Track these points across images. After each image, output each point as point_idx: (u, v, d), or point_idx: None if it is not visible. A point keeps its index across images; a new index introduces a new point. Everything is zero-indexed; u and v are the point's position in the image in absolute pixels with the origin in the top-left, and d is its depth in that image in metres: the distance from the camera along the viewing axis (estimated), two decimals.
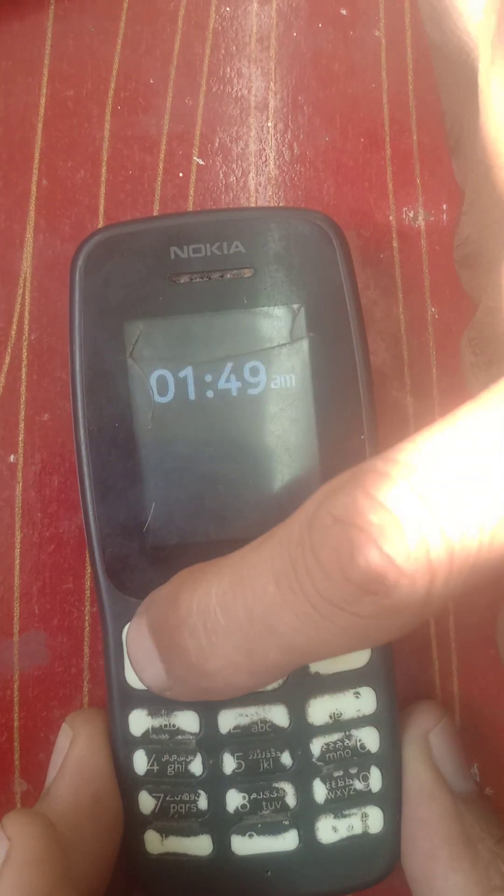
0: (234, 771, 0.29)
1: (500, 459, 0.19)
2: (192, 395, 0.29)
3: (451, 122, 0.27)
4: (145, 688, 0.27)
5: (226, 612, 0.22)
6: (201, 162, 0.35)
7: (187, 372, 0.29)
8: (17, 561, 0.33)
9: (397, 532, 0.19)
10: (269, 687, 0.29)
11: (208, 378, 0.29)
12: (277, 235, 0.29)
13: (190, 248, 0.29)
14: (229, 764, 0.29)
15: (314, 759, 0.29)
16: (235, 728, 0.29)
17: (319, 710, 0.29)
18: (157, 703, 0.29)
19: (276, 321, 0.29)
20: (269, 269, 0.29)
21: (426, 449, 0.20)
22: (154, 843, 0.29)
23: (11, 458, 0.34)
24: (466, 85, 0.26)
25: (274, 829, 0.29)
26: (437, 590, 0.20)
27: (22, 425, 0.34)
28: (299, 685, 0.29)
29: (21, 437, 0.34)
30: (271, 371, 0.29)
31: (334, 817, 0.30)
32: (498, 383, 0.21)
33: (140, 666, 0.26)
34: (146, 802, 0.29)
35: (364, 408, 0.29)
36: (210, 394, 0.29)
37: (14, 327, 0.34)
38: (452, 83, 0.26)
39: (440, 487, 0.19)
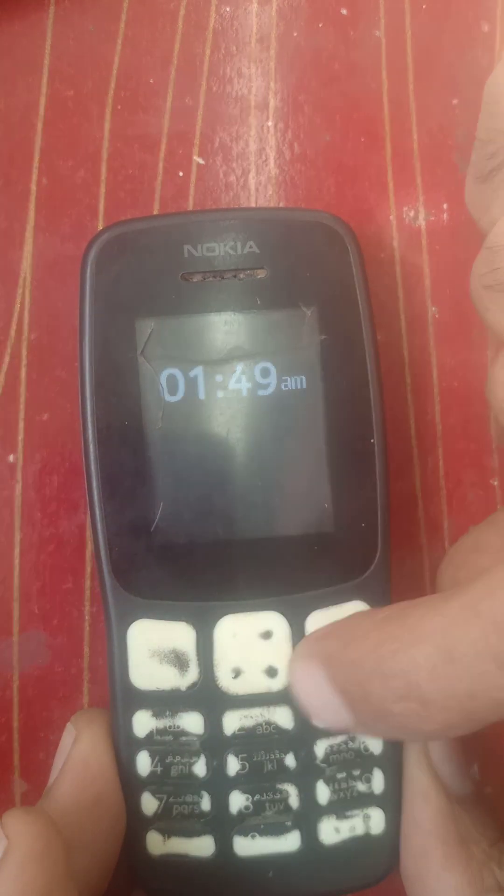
0: (237, 773, 0.29)
1: None
2: (202, 395, 0.29)
3: (489, 149, 0.27)
4: (157, 690, 0.28)
5: (443, 687, 0.22)
6: (201, 161, 0.35)
7: (198, 371, 0.29)
8: (17, 561, 0.33)
9: None
10: (274, 689, 0.29)
11: (219, 378, 0.29)
12: (291, 236, 0.29)
13: (203, 247, 0.29)
14: (233, 765, 0.29)
15: (318, 761, 0.29)
16: (240, 730, 0.29)
17: None
18: (161, 704, 0.29)
19: (288, 322, 0.29)
20: (282, 269, 0.29)
21: None
22: (156, 843, 0.29)
23: (11, 457, 0.33)
24: None
25: (276, 830, 0.29)
26: None
27: (22, 425, 0.34)
28: None
29: (21, 437, 0.34)
30: (282, 372, 0.29)
31: (337, 819, 0.30)
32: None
33: (318, 712, 0.26)
34: (149, 803, 0.29)
35: (374, 411, 0.29)
36: (220, 394, 0.29)
37: (14, 327, 0.34)
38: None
39: None
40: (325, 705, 0.26)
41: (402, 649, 0.23)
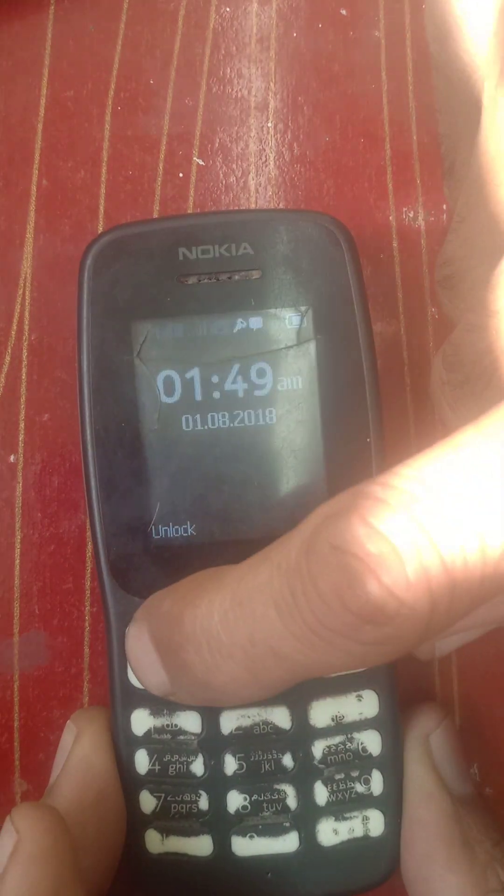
0: (235, 772, 0.29)
1: (500, 488, 0.19)
2: (198, 396, 0.29)
3: (448, 144, 0.27)
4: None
5: (228, 634, 0.22)
6: (201, 162, 0.35)
7: (194, 373, 0.29)
8: (18, 561, 0.33)
9: (396, 562, 0.19)
10: None
11: (215, 379, 0.29)
12: (286, 237, 0.29)
13: (198, 250, 0.29)
14: (231, 765, 0.29)
15: (316, 762, 0.29)
16: (237, 729, 0.29)
17: (321, 712, 0.29)
18: (159, 703, 0.29)
19: (284, 323, 0.29)
20: (277, 271, 0.29)
21: (426, 475, 0.20)
22: (154, 842, 0.29)
23: (11, 458, 0.34)
24: (467, 105, 0.26)
25: (275, 830, 0.29)
26: (439, 616, 0.20)
27: (22, 425, 0.34)
28: (301, 687, 0.29)
29: (21, 437, 0.34)
30: (278, 373, 0.29)
31: (335, 820, 0.30)
32: (497, 409, 0.21)
33: (142, 672, 0.26)
34: (147, 802, 0.29)
35: (370, 411, 0.29)
36: (217, 395, 0.29)
37: (14, 327, 0.34)
38: (455, 103, 0.26)
39: (440, 516, 0.19)
40: (147, 665, 0.26)
41: (203, 598, 0.23)
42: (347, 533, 0.20)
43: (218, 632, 0.22)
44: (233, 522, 0.29)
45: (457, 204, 0.27)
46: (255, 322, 0.29)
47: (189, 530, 0.29)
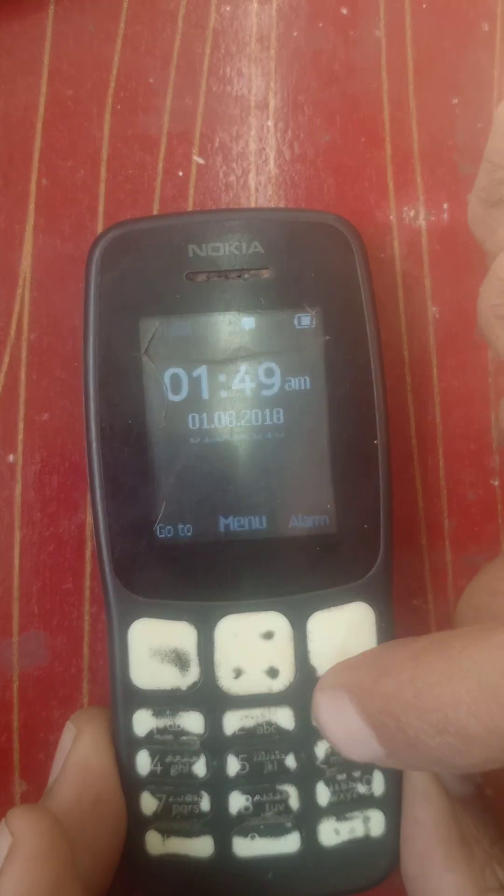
0: (237, 773, 0.29)
1: None
2: (205, 395, 0.29)
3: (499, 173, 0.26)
4: (157, 690, 0.28)
5: (484, 722, 0.22)
6: (201, 161, 0.35)
7: (201, 371, 0.29)
8: (17, 561, 0.33)
9: None
10: (275, 689, 0.29)
11: (222, 378, 0.29)
12: (296, 237, 0.29)
13: (208, 247, 0.29)
14: (233, 766, 0.29)
15: (318, 763, 0.29)
16: (240, 730, 0.29)
17: None
18: (161, 703, 0.29)
19: (293, 323, 0.29)
20: (286, 270, 0.29)
21: None
22: (155, 843, 0.29)
23: (11, 457, 0.33)
24: None
25: (276, 831, 0.29)
26: None
27: (22, 425, 0.34)
28: (305, 688, 0.29)
29: (21, 437, 0.34)
30: (286, 373, 0.29)
31: (336, 820, 0.30)
32: None
33: (346, 744, 0.25)
34: (148, 803, 0.29)
35: (378, 412, 0.29)
36: (224, 394, 0.29)
37: (14, 327, 0.34)
38: None
39: None
40: (353, 737, 0.25)
41: (442, 682, 0.22)
42: None
43: (471, 723, 0.22)
44: (238, 522, 0.29)
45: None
46: (264, 321, 0.29)
47: (194, 530, 0.29)
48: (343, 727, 0.25)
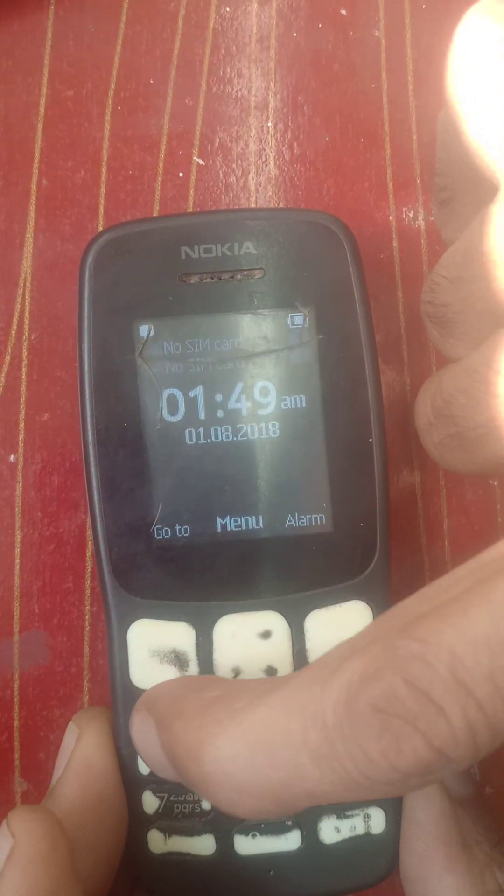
0: None
1: None
2: (201, 396, 0.29)
3: (446, 181, 0.27)
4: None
5: (257, 779, 0.22)
6: (201, 162, 0.35)
7: (196, 372, 0.29)
8: (18, 560, 0.33)
9: (446, 727, 0.19)
10: None
11: (217, 379, 0.29)
12: (288, 237, 0.29)
13: (201, 248, 0.29)
14: None
15: None
16: None
17: None
18: None
19: (286, 323, 0.29)
20: (279, 270, 0.29)
21: (462, 629, 0.19)
22: (157, 842, 0.29)
23: (11, 457, 0.34)
24: (474, 169, 0.26)
25: (277, 829, 0.29)
26: (482, 753, 0.19)
27: (22, 425, 0.34)
28: None
29: (21, 437, 0.34)
30: (280, 372, 0.29)
31: (337, 818, 0.30)
32: None
33: (151, 766, 0.26)
34: (150, 802, 0.29)
35: (372, 410, 0.29)
36: (219, 395, 0.29)
37: (14, 327, 0.34)
38: (459, 153, 0.26)
39: (483, 675, 0.19)
40: (158, 763, 0.25)
41: (220, 736, 0.22)
42: (390, 695, 0.19)
43: (244, 777, 0.22)
44: (235, 522, 0.29)
45: (454, 246, 0.27)
46: (258, 321, 0.29)
47: (191, 530, 0.29)
48: (149, 752, 0.26)
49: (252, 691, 0.23)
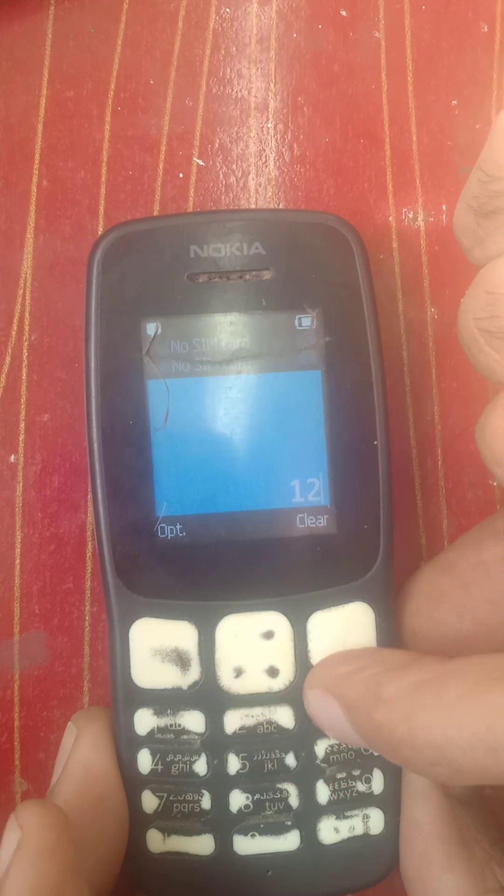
0: (238, 771, 0.29)
1: None
2: (206, 396, 0.29)
3: (491, 191, 0.26)
4: (158, 689, 0.29)
5: (476, 768, 0.22)
6: (201, 163, 0.35)
7: (203, 372, 0.29)
8: (18, 561, 0.33)
9: None
10: (275, 689, 0.29)
11: (223, 378, 0.29)
12: (296, 238, 0.29)
13: (210, 248, 0.29)
14: (234, 764, 0.29)
15: (318, 761, 0.30)
16: (241, 729, 0.29)
17: None
18: (162, 703, 0.29)
19: (294, 323, 0.29)
20: (287, 271, 0.29)
21: None
22: (156, 842, 0.29)
23: (12, 458, 0.34)
24: None
25: (276, 829, 0.30)
26: None
27: (22, 425, 0.34)
28: None
29: (21, 438, 0.34)
30: (287, 373, 0.29)
31: (336, 818, 0.30)
32: None
33: (338, 736, 0.27)
34: (149, 801, 0.29)
35: (378, 413, 0.29)
36: (225, 394, 0.29)
37: (14, 327, 0.34)
38: None
39: None
40: (347, 737, 0.26)
41: (436, 728, 0.23)
42: None
43: (463, 764, 0.22)
44: (239, 522, 0.29)
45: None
46: (265, 322, 0.29)
47: (195, 530, 0.29)
48: (337, 728, 0.26)
49: (464, 675, 0.23)
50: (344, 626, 0.29)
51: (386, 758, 0.25)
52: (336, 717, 0.26)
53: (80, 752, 0.29)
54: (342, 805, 0.30)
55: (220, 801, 0.29)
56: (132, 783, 0.29)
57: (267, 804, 0.29)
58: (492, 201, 0.26)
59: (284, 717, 0.29)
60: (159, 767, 0.29)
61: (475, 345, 0.26)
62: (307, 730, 0.29)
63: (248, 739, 0.29)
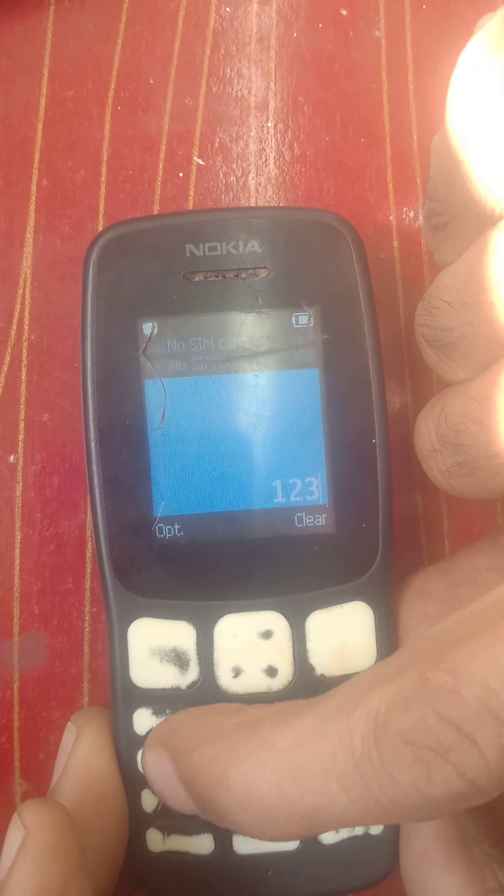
0: None
1: None
2: (204, 395, 0.29)
3: (440, 205, 0.27)
4: (157, 689, 0.29)
5: (285, 805, 0.22)
6: (201, 162, 0.35)
7: (199, 371, 0.29)
8: (17, 561, 0.33)
9: (479, 759, 0.19)
10: (274, 688, 0.29)
11: (220, 377, 0.29)
12: (293, 235, 0.29)
13: (206, 247, 0.29)
14: None
15: None
16: None
17: None
18: (162, 703, 0.29)
19: (291, 322, 0.29)
20: (284, 269, 0.29)
21: (494, 662, 0.19)
22: (156, 841, 0.29)
23: (11, 458, 0.33)
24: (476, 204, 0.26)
25: None
26: None
27: (22, 425, 0.34)
28: (306, 688, 0.29)
29: (21, 437, 0.34)
30: (284, 372, 0.29)
31: None
32: None
33: (169, 800, 0.27)
34: (149, 801, 0.29)
35: (376, 412, 0.29)
36: (222, 393, 0.29)
37: (14, 327, 0.34)
38: (457, 182, 0.26)
39: None
40: (174, 796, 0.26)
41: (246, 764, 0.23)
42: (421, 727, 0.20)
43: (272, 802, 0.22)
44: (237, 522, 0.29)
45: (451, 270, 0.27)
46: (262, 320, 0.29)
47: (193, 529, 0.29)
48: (166, 786, 0.26)
49: (274, 717, 0.24)
50: (343, 625, 0.29)
51: (210, 819, 0.25)
52: (167, 774, 0.26)
53: (81, 752, 0.29)
54: None
55: None
56: (132, 783, 0.29)
57: None
58: (433, 217, 0.27)
59: None
60: None
61: (422, 346, 0.28)
62: None
63: None
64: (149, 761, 0.27)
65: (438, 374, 0.28)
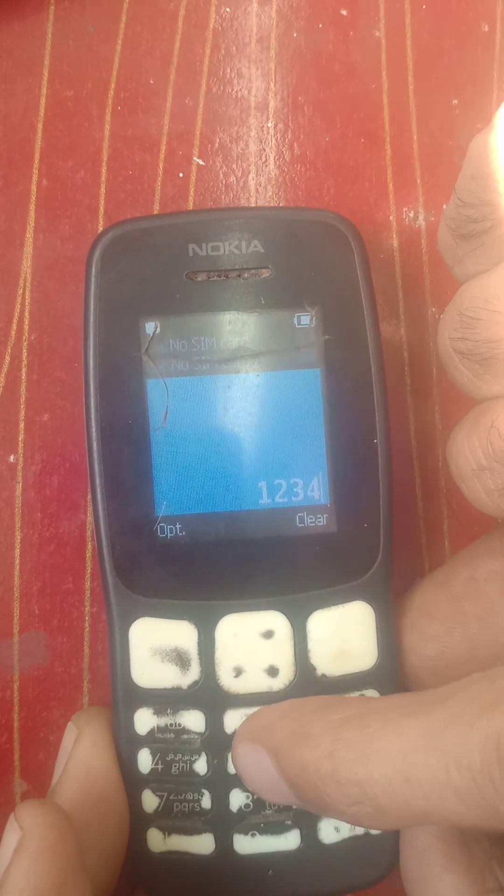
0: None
1: None
2: (205, 395, 0.29)
3: (478, 212, 0.26)
4: (158, 689, 0.29)
5: (399, 803, 0.22)
6: (201, 162, 0.35)
7: (201, 371, 0.29)
8: (17, 561, 0.33)
9: None
10: (275, 688, 0.29)
11: (222, 377, 0.29)
12: (295, 236, 0.29)
13: (208, 246, 0.29)
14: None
15: None
16: None
17: None
18: (162, 702, 0.29)
19: (293, 322, 0.29)
20: (286, 269, 0.29)
21: None
22: (156, 841, 0.29)
23: (11, 458, 0.33)
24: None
25: (276, 828, 0.30)
26: None
27: (22, 425, 0.34)
28: (306, 686, 0.29)
29: (21, 437, 0.34)
30: (286, 372, 0.29)
31: None
32: None
33: (266, 794, 0.27)
34: (149, 801, 0.29)
35: (378, 412, 0.29)
36: (224, 393, 0.29)
37: (14, 327, 0.34)
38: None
39: None
40: (273, 790, 0.26)
41: (359, 762, 0.23)
42: None
43: (387, 801, 0.22)
44: (238, 521, 0.29)
45: (488, 280, 0.26)
46: (264, 320, 0.29)
47: (195, 529, 0.29)
48: (263, 780, 0.26)
49: (384, 713, 0.23)
50: (344, 625, 0.29)
51: (312, 809, 0.25)
52: (264, 769, 0.26)
53: (81, 752, 0.29)
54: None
55: (221, 800, 0.29)
56: (133, 783, 0.29)
57: (267, 803, 0.29)
58: (466, 225, 0.26)
59: None
60: (159, 767, 0.29)
61: (451, 363, 0.27)
62: None
63: None
64: (243, 756, 0.27)
65: (469, 390, 0.27)
